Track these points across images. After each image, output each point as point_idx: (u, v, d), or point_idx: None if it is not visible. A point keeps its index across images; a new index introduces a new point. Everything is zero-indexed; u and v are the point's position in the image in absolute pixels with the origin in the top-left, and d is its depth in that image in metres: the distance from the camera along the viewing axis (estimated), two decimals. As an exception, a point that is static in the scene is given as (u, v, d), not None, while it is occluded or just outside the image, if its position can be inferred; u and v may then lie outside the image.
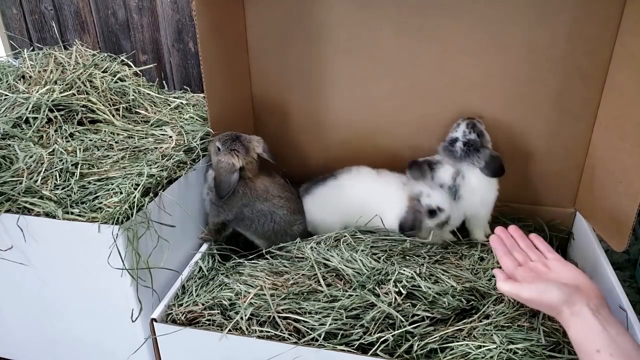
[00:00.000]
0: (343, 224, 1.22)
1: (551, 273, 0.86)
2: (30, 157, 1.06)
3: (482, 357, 0.84)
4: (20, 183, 0.99)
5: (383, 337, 0.86)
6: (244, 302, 0.95)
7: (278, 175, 1.26)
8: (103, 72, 1.38)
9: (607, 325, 0.72)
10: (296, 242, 1.15)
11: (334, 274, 1.02)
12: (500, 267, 0.92)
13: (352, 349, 0.85)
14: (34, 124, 1.17)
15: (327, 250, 1.08)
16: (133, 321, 0.97)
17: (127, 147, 1.17)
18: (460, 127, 1.21)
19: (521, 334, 0.88)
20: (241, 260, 1.14)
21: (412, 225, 1.13)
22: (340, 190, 1.24)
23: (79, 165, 1.05)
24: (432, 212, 1.14)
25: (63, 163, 1.05)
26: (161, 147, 1.17)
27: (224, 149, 1.14)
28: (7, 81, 1.32)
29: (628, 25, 1.09)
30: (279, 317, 0.91)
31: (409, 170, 1.21)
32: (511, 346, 0.86)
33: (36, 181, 1.00)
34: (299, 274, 1.02)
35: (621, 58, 1.12)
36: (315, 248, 1.10)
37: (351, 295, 0.94)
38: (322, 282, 0.98)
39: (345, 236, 1.14)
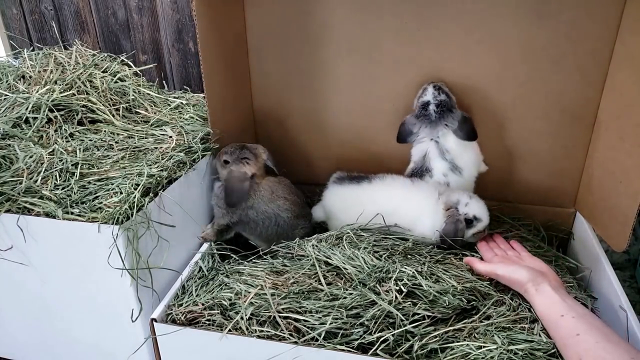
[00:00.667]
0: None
1: (521, 261, 1.04)
2: (30, 157, 1.06)
3: (483, 358, 0.84)
4: (20, 183, 0.99)
5: (383, 336, 0.86)
6: (245, 301, 0.95)
7: (284, 177, 1.26)
8: (103, 72, 1.38)
9: (565, 298, 0.89)
10: (296, 241, 1.15)
11: (335, 273, 1.02)
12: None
13: (352, 348, 0.85)
14: (34, 124, 1.17)
15: (329, 248, 1.08)
16: (133, 321, 0.97)
17: (127, 147, 1.17)
18: (428, 90, 1.22)
19: (522, 336, 0.88)
20: (241, 261, 1.14)
21: (455, 234, 1.10)
22: (372, 196, 1.21)
23: (79, 165, 1.05)
24: (469, 222, 1.12)
25: (63, 163, 1.05)
26: (161, 147, 1.17)
27: (232, 159, 1.15)
28: (7, 81, 1.32)
29: (628, 24, 1.09)
30: (280, 316, 0.91)
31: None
32: (512, 347, 0.85)
33: (36, 181, 1.00)
34: (299, 272, 1.02)
35: (621, 58, 1.12)
36: (317, 246, 1.10)
37: (352, 294, 0.94)
38: (322, 280, 0.98)
39: (347, 233, 1.14)
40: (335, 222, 1.24)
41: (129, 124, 1.29)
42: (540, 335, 0.88)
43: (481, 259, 1.09)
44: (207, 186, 1.22)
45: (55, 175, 1.03)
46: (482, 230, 1.15)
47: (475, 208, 1.13)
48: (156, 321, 0.95)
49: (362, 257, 1.03)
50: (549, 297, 0.90)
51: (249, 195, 1.15)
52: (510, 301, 0.98)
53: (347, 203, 1.23)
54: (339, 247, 1.09)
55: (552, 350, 0.85)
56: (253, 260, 1.12)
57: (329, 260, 1.03)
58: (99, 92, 1.30)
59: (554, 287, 0.91)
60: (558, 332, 0.84)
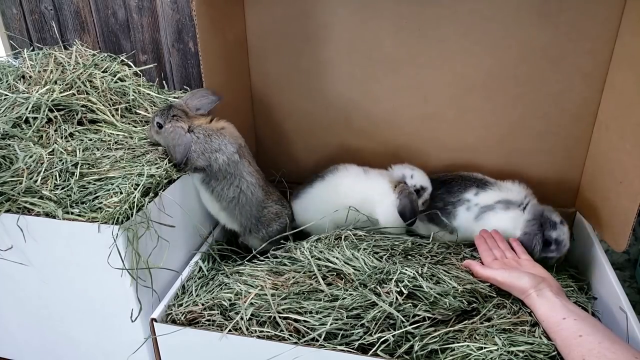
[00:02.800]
0: (336, 225, 1.21)
1: (522, 267, 1.04)
2: (30, 157, 1.06)
3: (483, 359, 0.84)
4: (20, 183, 0.99)
5: (383, 337, 0.86)
6: (245, 302, 0.94)
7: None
8: (103, 72, 1.38)
9: (566, 303, 0.91)
10: (297, 243, 1.15)
11: (335, 273, 1.02)
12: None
13: (352, 349, 0.85)
14: (34, 124, 1.17)
15: (329, 249, 1.08)
16: (132, 321, 0.97)
17: (127, 147, 1.17)
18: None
19: (522, 337, 0.88)
20: (241, 262, 1.13)
21: (412, 207, 1.12)
22: (329, 191, 1.24)
23: (79, 165, 1.05)
24: (417, 192, 1.17)
25: (63, 163, 1.05)
26: (161, 147, 1.17)
27: (164, 120, 1.12)
28: (7, 81, 1.31)
29: (628, 25, 1.09)
30: (280, 317, 0.91)
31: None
32: (512, 348, 0.85)
33: (36, 181, 1.00)
34: (299, 272, 1.02)
35: (621, 58, 1.12)
36: (316, 247, 1.10)
37: (352, 294, 0.94)
38: (321, 281, 0.98)
39: (347, 234, 1.14)
40: (313, 228, 1.24)
41: (128, 124, 1.28)
42: (541, 338, 0.88)
43: (480, 261, 1.08)
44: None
45: (55, 175, 1.02)
46: (428, 199, 1.18)
47: (420, 179, 1.18)
48: (156, 321, 0.95)
49: (362, 259, 1.03)
50: (551, 301, 0.91)
51: (197, 139, 1.11)
52: (511, 305, 0.98)
53: (313, 210, 1.24)
54: (338, 247, 1.09)
55: (553, 353, 0.85)
56: (253, 261, 1.12)
57: (329, 261, 1.03)
58: (99, 92, 1.30)
59: (555, 293, 0.93)
60: (560, 334, 0.85)
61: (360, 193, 1.20)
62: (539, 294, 0.93)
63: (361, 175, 1.24)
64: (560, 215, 1.15)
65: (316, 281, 0.99)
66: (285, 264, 1.07)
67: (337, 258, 1.03)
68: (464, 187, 1.22)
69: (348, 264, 1.02)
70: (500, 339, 0.87)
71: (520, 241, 1.12)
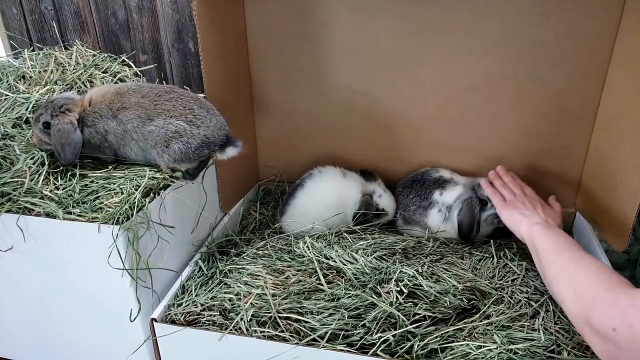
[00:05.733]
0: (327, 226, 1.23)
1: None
2: (31, 158, 1.06)
3: (483, 357, 0.84)
4: (22, 184, 0.99)
5: (384, 337, 0.86)
6: (245, 302, 0.95)
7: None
8: (103, 72, 1.38)
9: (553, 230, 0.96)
10: (298, 241, 1.15)
11: (335, 271, 1.02)
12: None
13: (354, 349, 0.85)
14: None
15: (329, 246, 1.08)
16: (132, 321, 0.97)
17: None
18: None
19: (522, 334, 0.88)
20: (239, 258, 1.13)
21: (367, 209, 1.23)
22: (311, 197, 1.28)
23: (79, 165, 1.05)
24: (378, 211, 1.27)
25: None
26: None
27: (51, 116, 1.04)
28: (7, 81, 1.32)
29: (628, 25, 1.09)
30: (280, 317, 0.91)
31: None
32: (511, 346, 0.86)
33: (37, 182, 1.00)
34: (300, 271, 1.02)
35: (621, 58, 1.12)
36: (316, 246, 1.10)
37: (352, 295, 0.94)
38: (322, 280, 0.98)
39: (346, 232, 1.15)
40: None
41: (129, 124, 1.28)
42: (540, 332, 0.88)
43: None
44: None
45: (56, 176, 1.03)
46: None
47: (385, 202, 1.28)
48: (156, 321, 0.95)
49: (363, 259, 1.03)
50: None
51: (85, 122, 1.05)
52: (510, 298, 0.98)
53: (303, 216, 1.26)
54: (339, 245, 1.09)
55: (552, 347, 0.86)
56: (252, 257, 1.12)
57: (329, 258, 1.04)
58: (99, 92, 1.30)
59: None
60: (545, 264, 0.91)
61: (337, 195, 1.28)
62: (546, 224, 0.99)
63: (338, 177, 1.31)
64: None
65: (317, 279, 0.99)
66: (285, 260, 1.07)
67: (337, 256, 1.04)
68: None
69: (348, 263, 1.02)
70: (499, 337, 0.87)
71: (463, 206, 1.19)
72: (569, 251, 0.87)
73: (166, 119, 1.06)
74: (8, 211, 0.96)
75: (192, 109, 1.07)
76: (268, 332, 0.89)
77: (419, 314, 0.90)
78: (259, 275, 1.03)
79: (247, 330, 0.90)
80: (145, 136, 1.05)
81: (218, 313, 0.95)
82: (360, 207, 1.24)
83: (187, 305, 0.98)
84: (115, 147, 1.09)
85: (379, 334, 0.86)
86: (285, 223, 1.30)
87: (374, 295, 0.93)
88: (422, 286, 0.95)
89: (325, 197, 1.27)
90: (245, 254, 1.15)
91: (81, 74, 1.32)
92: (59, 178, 1.02)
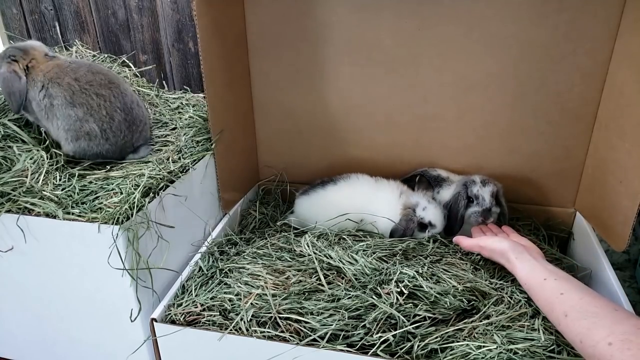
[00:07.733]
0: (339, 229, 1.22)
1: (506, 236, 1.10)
2: (31, 158, 1.06)
3: (483, 357, 0.84)
4: (22, 185, 0.99)
5: (384, 337, 0.86)
6: (245, 302, 0.95)
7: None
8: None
9: (545, 264, 0.94)
10: (299, 241, 1.15)
11: (335, 272, 1.02)
12: None
13: (354, 349, 0.85)
14: (34, 125, 1.17)
15: (329, 246, 1.08)
16: (132, 321, 0.97)
17: (127, 147, 1.16)
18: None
19: (521, 334, 0.88)
20: (239, 257, 1.13)
21: (403, 234, 1.16)
22: (338, 196, 1.26)
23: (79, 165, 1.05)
24: (424, 226, 1.18)
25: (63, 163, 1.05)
26: (161, 148, 1.17)
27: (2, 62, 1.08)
28: (7, 81, 1.31)
29: (628, 24, 1.09)
30: (280, 317, 0.91)
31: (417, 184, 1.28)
32: (511, 346, 0.86)
33: (37, 182, 1.00)
34: (300, 271, 1.02)
35: (621, 57, 1.12)
36: (317, 244, 1.10)
37: (353, 295, 0.94)
38: (323, 280, 0.98)
39: (347, 233, 1.15)
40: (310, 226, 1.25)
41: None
42: (539, 332, 0.88)
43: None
44: (207, 186, 1.22)
45: (56, 176, 1.03)
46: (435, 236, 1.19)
47: (432, 214, 1.18)
48: (156, 321, 0.95)
49: (363, 259, 1.03)
50: (530, 263, 0.94)
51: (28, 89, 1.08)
52: (509, 299, 0.98)
53: (316, 209, 1.26)
54: (339, 245, 1.09)
55: (552, 347, 0.86)
56: (252, 257, 1.12)
57: (330, 257, 1.04)
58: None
59: (534, 257, 0.96)
60: (542, 294, 0.87)
61: (371, 204, 1.22)
62: (519, 257, 0.96)
63: (372, 185, 1.26)
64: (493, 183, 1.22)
65: (317, 280, 0.99)
66: (286, 260, 1.07)
67: (338, 256, 1.04)
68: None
69: (348, 264, 1.02)
70: (499, 337, 0.87)
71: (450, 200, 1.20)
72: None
73: (86, 114, 1.07)
74: (8, 211, 0.96)
75: (113, 119, 1.09)
76: (268, 332, 0.89)
77: (419, 315, 0.90)
78: (259, 276, 1.03)
79: (247, 330, 0.90)
80: (65, 117, 1.08)
81: (218, 313, 0.95)
82: (401, 222, 1.17)
83: (187, 305, 0.98)
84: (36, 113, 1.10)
85: (379, 334, 0.86)
86: (299, 206, 1.30)
87: (374, 296, 0.93)
88: (422, 287, 0.95)
89: (347, 202, 1.23)
90: (245, 253, 1.15)
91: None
92: (59, 178, 1.02)
